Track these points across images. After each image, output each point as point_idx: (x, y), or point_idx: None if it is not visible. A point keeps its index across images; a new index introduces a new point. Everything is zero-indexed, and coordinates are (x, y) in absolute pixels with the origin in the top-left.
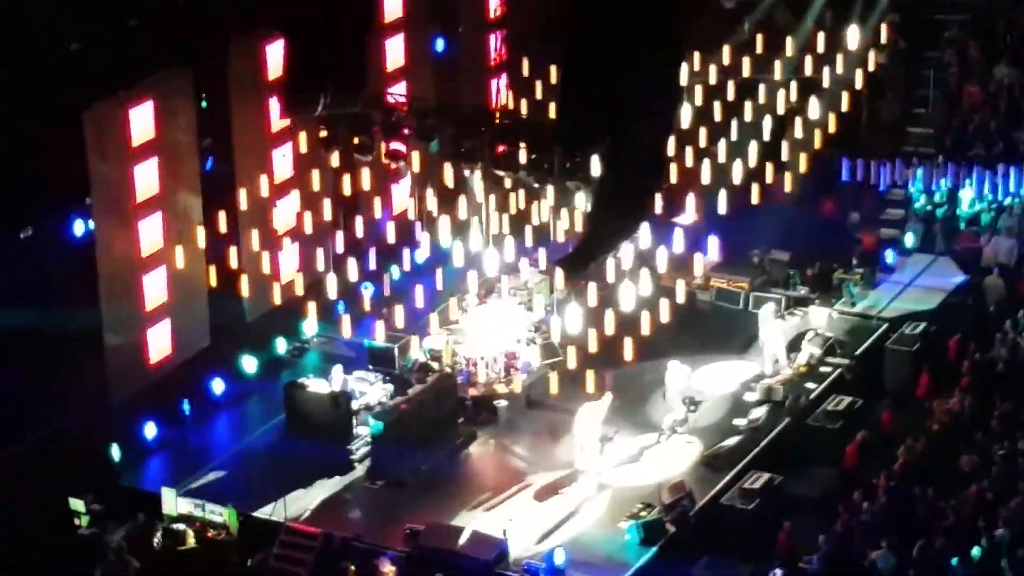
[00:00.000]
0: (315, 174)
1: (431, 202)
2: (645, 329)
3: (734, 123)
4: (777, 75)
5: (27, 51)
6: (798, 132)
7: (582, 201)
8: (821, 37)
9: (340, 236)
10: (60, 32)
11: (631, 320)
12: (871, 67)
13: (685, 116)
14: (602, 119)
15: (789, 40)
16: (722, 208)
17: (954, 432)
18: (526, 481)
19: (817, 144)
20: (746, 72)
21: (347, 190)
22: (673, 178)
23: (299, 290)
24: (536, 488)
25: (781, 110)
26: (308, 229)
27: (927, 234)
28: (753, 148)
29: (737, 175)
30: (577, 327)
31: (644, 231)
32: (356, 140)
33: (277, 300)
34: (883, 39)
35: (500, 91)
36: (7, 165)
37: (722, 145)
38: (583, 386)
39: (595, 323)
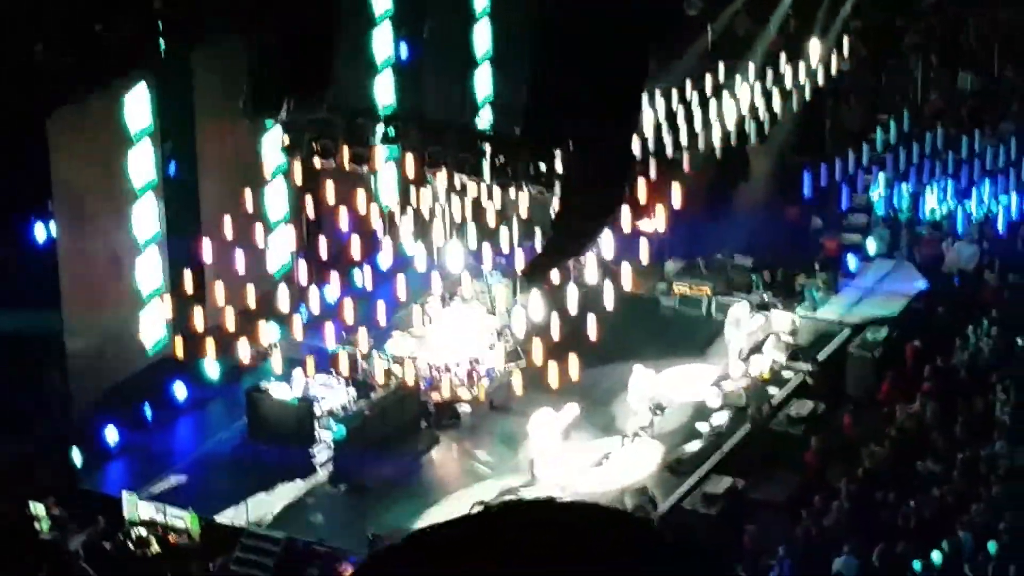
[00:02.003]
0: (279, 178)
1: (394, 207)
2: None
3: (696, 130)
4: (739, 83)
5: None
6: (761, 139)
7: (546, 206)
8: (784, 44)
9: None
10: (24, 35)
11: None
12: (834, 74)
13: (646, 123)
14: (567, 125)
15: (752, 47)
16: (676, 202)
17: (916, 436)
18: (487, 485)
19: (780, 151)
20: (708, 79)
21: (309, 197)
22: (640, 187)
23: (241, 304)
24: (499, 492)
25: (744, 117)
26: (271, 233)
27: (890, 240)
28: (714, 155)
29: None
30: (539, 323)
31: (607, 237)
32: (319, 145)
33: (242, 305)
34: (846, 46)
35: (465, 96)
36: None
37: (684, 154)
38: (545, 380)
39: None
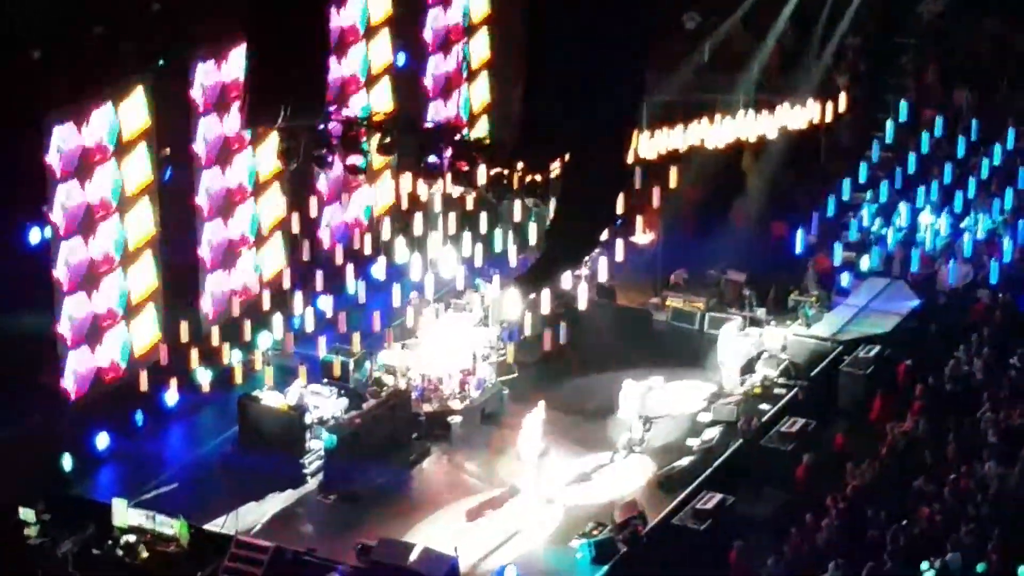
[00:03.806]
0: (275, 186)
1: (389, 217)
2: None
3: (691, 144)
4: (736, 97)
5: None
6: (755, 155)
7: (540, 218)
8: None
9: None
10: (21, 37)
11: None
12: (831, 90)
13: (642, 138)
14: (562, 136)
15: (749, 62)
16: (655, 201)
17: (907, 455)
18: (478, 496)
19: (774, 167)
20: (704, 94)
21: (305, 203)
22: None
23: (235, 311)
24: (488, 504)
25: (738, 132)
26: (265, 240)
27: (883, 257)
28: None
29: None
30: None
31: (600, 250)
32: (315, 153)
33: (235, 312)
34: (843, 62)
35: (461, 107)
36: None
37: (673, 170)
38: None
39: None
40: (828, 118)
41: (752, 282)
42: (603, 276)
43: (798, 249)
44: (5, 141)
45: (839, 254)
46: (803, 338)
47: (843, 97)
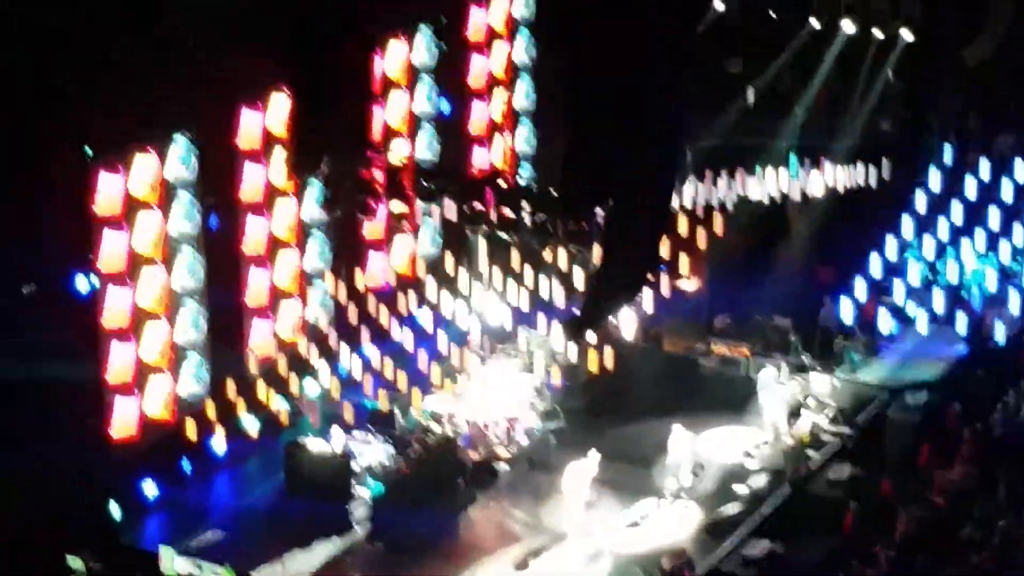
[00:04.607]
0: (319, 233)
1: (433, 262)
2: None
3: (734, 191)
4: (781, 141)
5: (33, 105)
6: (800, 199)
7: (585, 264)
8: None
9: (343, 293)
10: (68, 88)
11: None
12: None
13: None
14: (606, 183)
15: (794, 106)
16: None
17: (955, 502)
18: (525, 544)
19: (820, 212)
20: (749, 138)
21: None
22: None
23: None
24: (535, 552)
25: (783, 189)
26: (308, 286)
27: (929, 303)
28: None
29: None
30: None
31: (646, 296)
32: (359, 200)
33: (281, 359)
34: (887, 106)
35: (505, 153)
36: (11, 220)
37: (717, 215)
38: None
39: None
40: (873, 181)
41: (798, 328)
42: (649, 321)
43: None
44: (52, 189)
45: (885, 299)
46: (850, 384)
47: (886, 162)
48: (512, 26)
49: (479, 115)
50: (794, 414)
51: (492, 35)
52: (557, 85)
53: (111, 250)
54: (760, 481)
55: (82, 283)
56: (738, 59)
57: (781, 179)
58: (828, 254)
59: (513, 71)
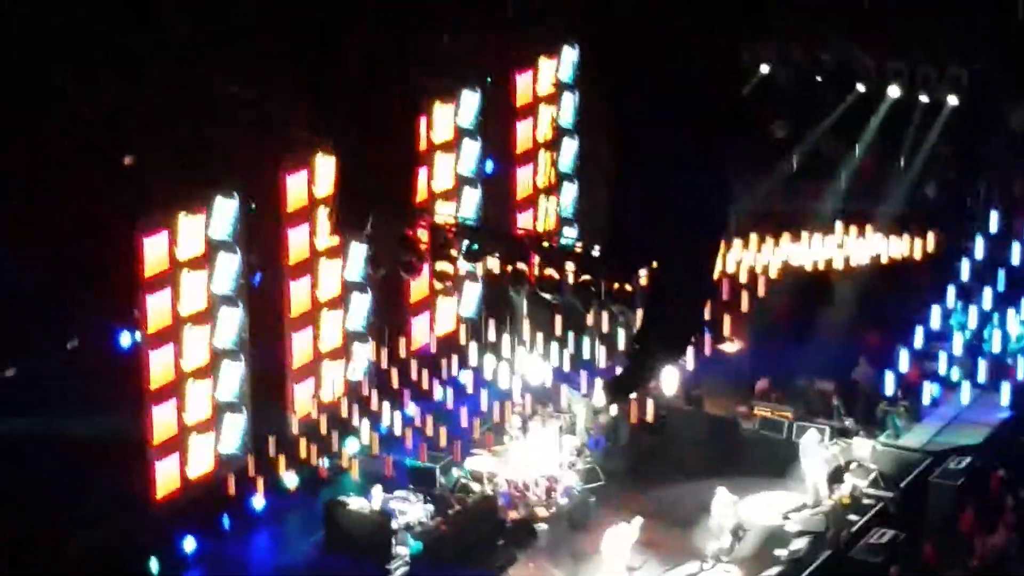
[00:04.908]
0: (362, 293)
1: (476, 322)
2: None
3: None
4: (825, 205)
5: (81, 162)
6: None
7: (627, 325)
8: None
9: (383, 354)
10: (116, 144)
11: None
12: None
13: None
14: (651, 244)
15: (838, 169)
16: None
17: (997, 568)
18: None
19: (864, 276)
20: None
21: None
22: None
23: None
24: None
25: (827, 255)
26: (350, 347)
27: (973, 368)
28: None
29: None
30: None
31: (689, 358)
32: (402, 260)
33: (322, 418)
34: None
35: (549, 214)
36: (57, 275)
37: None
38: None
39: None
40: (918, 254)
41: (840, 392)
42: (691, 383)
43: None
44: (97, 247)
45: (928, 364)
46: (892, 448)
47: (932, 236)
48: (558, 89)
49: (524, 176)
50: (836, 478)
51: (538, 98)
52: (602, 146)
53: (156, 309)
54: (801, 544)
55: (126, 340)
56: (783, 123)
57: (825, 245)
58: (872, 319)
59: (558, 133)
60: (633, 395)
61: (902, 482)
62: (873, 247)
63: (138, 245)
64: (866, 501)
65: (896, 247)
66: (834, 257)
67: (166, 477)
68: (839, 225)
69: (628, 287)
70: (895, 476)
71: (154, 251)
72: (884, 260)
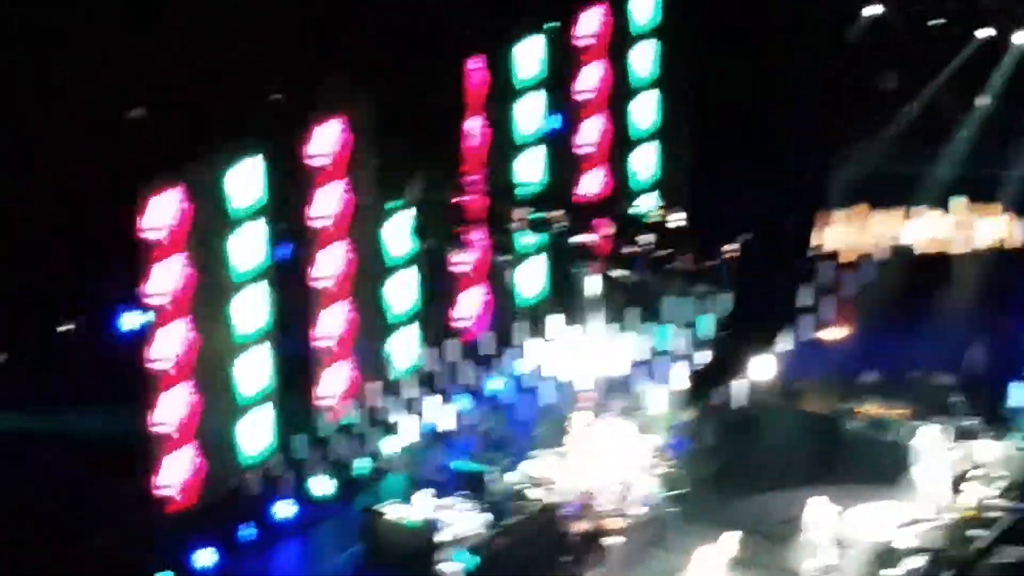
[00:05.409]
0: (407, 267)
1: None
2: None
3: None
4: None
5: (83, 117)
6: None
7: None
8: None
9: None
10: (124, 98)
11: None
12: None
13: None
14: (741, 215)
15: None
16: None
17: None
18: None
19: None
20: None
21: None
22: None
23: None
24: None
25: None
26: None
27: None
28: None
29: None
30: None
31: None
32: (453, 231)
33: (360, 412)
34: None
35: (622, 179)
36: (50, 250)
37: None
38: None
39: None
40: None
41: (963, 387)
42: (787, 376)
43: None
44: (96, 214)
45: None
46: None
47: None
48: (635, 34)
49: (592, 135)
50: (957, 487)
51: (611, 44)
52: (687, 102)
53: (165, 284)
54: (915, 563)
55: (129, 320)
56: (893, 74)
57: (943, 224)
58: (1001, 302)
59: (634, 85)
60: (720, 389)
61: None
62: (996, 229)
63: (142, 210)
64: (993, 514)
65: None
66: (952, 239)
67: (178, 480)
68: (956, 201)
69: (714, 265)
70: None
71: (164, 218)
72: (1009, 245)
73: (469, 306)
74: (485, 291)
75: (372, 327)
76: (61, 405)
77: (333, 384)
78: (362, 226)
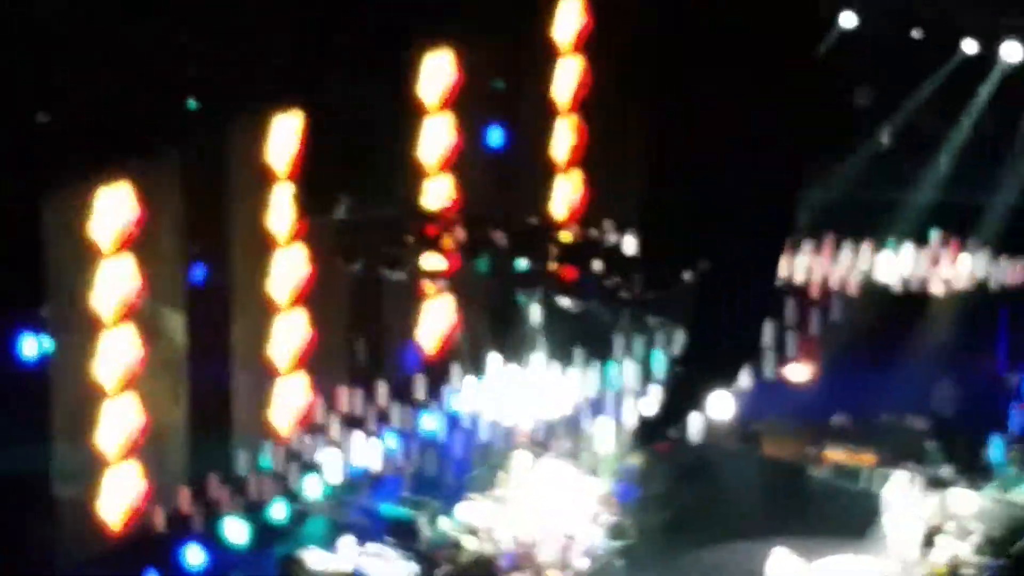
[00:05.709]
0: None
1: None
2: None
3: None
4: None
5: None
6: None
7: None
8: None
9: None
10: (26, 98)
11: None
12: None
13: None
14: (699, 240)
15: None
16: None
17: None
18: None
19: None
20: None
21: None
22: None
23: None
24: None
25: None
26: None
27: None
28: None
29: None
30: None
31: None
32: (383, 253)
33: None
34: None
35: (570, 199)
36: None
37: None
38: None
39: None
40: None
41: (938, 432)
42: (747, 417)
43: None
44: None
45: None
46: (1003, 505)
47: None
48: (588, 41)
49: (539, 151)
50: (929, 540)
51: (559, 54)
52: (643, 114)
53: (68, 305)
54: None
55: (30, 345)
56: (868, 89)
57: (918, 260)
58: (977, 341)
59: (589, 94)
60: (673, 431)
61: (1014, 546)
62: (977, 269)
63: (49, 223)
64: (966, 571)
65: (1006, 274)
66: (928, 277)
67: (75, 525)
68: (933, 234)
69: (669, 294)
70: (1006, 539)
71: (69, 230)
72: (992, 285)
73: (401, 336)
74: (419, 319)
75: (292, 357)
76: None
77: (248, 418)
78: (282, 247)
